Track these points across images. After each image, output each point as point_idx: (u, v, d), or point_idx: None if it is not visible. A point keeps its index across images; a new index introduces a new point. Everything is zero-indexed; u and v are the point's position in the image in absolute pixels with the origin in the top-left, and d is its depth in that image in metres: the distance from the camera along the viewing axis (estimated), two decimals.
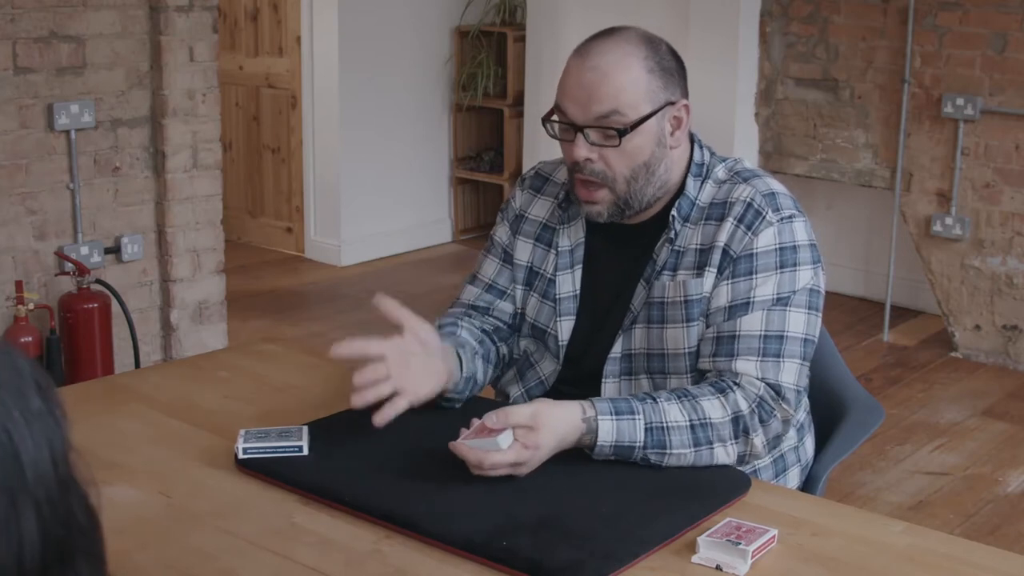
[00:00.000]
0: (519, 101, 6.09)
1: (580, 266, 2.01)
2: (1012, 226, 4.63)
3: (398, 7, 5.98)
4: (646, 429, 1.75)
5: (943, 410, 4.29)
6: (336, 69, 5.80)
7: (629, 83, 1.85)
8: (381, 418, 1.77)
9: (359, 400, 1.77)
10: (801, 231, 1.89)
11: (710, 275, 1.88)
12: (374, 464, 1.77)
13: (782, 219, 1.88)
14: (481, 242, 6.14)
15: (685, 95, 1.92)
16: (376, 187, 6.07)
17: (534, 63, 5.81)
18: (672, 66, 1.90)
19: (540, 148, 5.27)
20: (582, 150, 1.87)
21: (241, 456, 1.79)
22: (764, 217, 1.87)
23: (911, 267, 5.17)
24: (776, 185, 1.93)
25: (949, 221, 4.75)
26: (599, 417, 1.75)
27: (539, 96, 5.78)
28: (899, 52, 4.82)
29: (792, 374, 1.84)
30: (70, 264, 3.88)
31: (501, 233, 2.11)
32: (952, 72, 4.69)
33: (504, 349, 2.08)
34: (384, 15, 5.93)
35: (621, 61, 1.85)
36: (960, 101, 4.64)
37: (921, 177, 4.83)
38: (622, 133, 1.85)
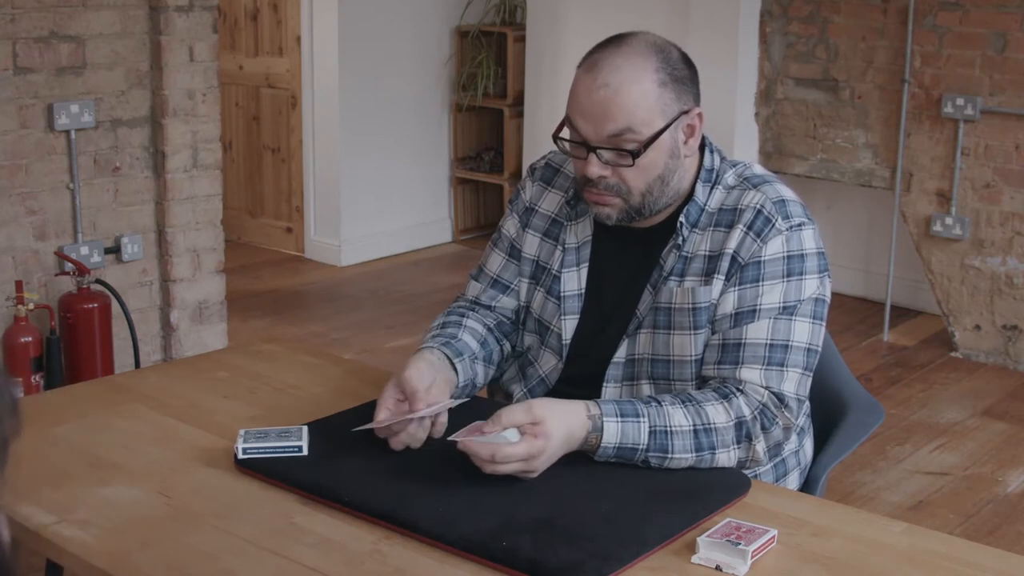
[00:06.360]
0: (519, 101, 6.09)
1: (586, 264, 1.99)
2: (1012, 226, 4.62)
3: (398, 7, 5.98)
4: (650, 432, 1.75)
5: (943, 410, 4.29)
6: (336, 69, 5.80)
7: (642, 99, 1.81)
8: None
9: (395, 442, 1.81)
10: (810, 239, 1.88)
11: (718, 282, 1.87)
12: (374, 464, 1.77)
13: (791, 227, 1.86)
14: (482, 242, 6.16)
15: (697, 101, 1.89)
16: (376, 187, 6.07)
17: (534, 63, 5.80)
18: (684, 74, 1.87)
19: (540, 148, 5.27)
20: (595, 168, 1.85)
21: (241, 456, 1.79)
22: (774, 225, 1.85)
23: (911, 267, 5.17)
24: (786, 192, 1.91)
25: (949, 221, 4.75)
26: (604, 418, 1.74)
27: (539, 96, 5.78)
28: (899, 52, 4.82)
29: (794, 383, 1.84)
30: (70, 264, 3.87)
31: (509, 226, 2.10)
32: (952, 72, 4.68)
33: (507, 346, 2.07)
34: (384, 15, 5.93)
35: (633, 76, 1.81)
36: (960, 101, 4.64)
37: (921, 177, 4.83)
38: (636, 154, 1.82)
